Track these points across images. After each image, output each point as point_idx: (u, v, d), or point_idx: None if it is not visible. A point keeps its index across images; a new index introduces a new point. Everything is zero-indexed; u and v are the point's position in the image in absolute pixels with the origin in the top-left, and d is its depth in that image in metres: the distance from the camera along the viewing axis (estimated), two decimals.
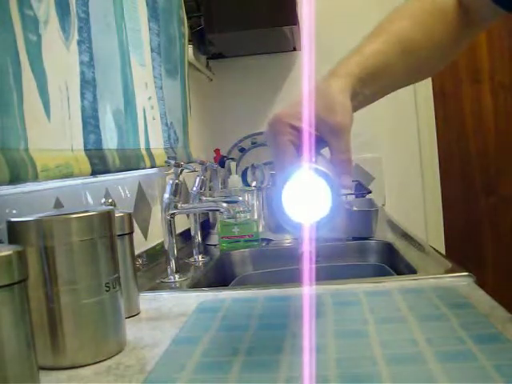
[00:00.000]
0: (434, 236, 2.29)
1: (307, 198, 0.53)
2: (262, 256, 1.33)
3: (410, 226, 1.42)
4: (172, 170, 1.04)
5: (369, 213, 1.37)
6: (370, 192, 1.80)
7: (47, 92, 0.76)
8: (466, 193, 2.42)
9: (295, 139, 0.56)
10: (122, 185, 1.12)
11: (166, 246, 1.02)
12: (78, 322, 0.56)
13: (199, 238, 1.25)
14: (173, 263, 1.01)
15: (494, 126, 2.40)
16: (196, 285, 1.01)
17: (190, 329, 0.66)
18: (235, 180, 1.66)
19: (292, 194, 0.53)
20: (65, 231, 0.56)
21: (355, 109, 0.60)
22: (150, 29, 1.29)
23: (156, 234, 1.24)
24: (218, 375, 0.50)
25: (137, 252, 1.04)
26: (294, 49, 2.13)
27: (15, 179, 0.64)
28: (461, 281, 0.78)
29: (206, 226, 1.51)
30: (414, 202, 2.28)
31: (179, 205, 1.03)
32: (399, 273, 1.09)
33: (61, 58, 0.82)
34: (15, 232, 0.56)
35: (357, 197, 1.73)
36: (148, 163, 1.15)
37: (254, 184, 1.60)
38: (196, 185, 1.22)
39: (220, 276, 1.22)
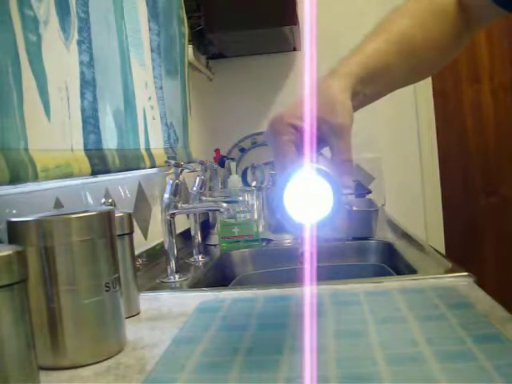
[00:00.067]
0: (434, 236, 2.29)
1: (308, 198, 0.53)
2: (262, 256, 1.33)
3: (410, 226, 1.42)
4: (172, 170, 1.04)
5: (369, 213, 1.37)
6: (370, 192, 1.81)
7: (47, 92, 0.76)
8: (465, 193, 2.42)
9: (296, 139, 0.56)
10: (122, 185, 1.12)
11: (166, 246, 1.02)
12: (78, 322, 0.56)
13: (199, 238, 1.25)
14: (173, 263, 1.01)
15: (494, 126, 2.40)
16: (196, 285, 1.01)
17: (189, 329, 0.65)
18: (235, 180, 1.66)
19: (293, 194, 0.53)
20: (65, 231, 0.56)
21: (355, 108, 0.60)
22: (150, 29, 1.29)
23: (156, 234, 1.24)
24: (218, 375, 0.50)
25: (137, 252, 1.04)
26: (294, 49, 2.13)
27: (15, 179, 0.64)
28: (461, 281, 0.78)
29: (206, 226, 1.51)
30: (414, 202, 2.28)
31: (179, 205, 1.03)
32: (399, 273, 1.09)
33: (61, 58, 0.82)
34: (15, 232, 0.56)
35: (357, 197, 1.74)
36: (148, 163, 1.15)
37: (253, 184, 1.60)
38: (196, 185, 1.22)
39: (220, 276, 1.21)
